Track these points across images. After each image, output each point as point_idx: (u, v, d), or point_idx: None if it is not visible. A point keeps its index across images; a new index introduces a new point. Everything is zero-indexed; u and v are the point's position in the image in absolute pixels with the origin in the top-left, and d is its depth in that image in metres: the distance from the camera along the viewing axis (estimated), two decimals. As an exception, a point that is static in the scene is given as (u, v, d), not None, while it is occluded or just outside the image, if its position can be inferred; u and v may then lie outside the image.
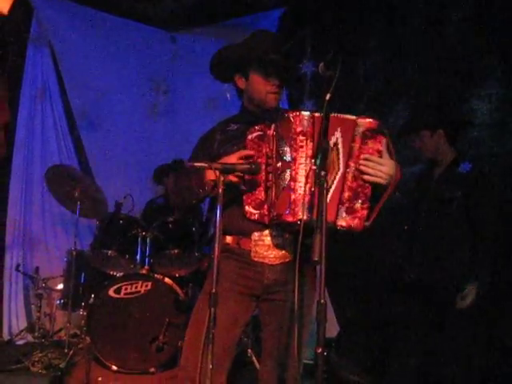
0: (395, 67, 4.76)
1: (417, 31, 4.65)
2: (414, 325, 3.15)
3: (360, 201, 1.99)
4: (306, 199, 1.92)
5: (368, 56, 4.95)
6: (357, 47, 4.94)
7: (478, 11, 4.27)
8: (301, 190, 1.93)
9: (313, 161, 1.94)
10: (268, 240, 2.17)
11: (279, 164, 2.00)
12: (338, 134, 2.00)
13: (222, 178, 1.97)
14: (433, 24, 4.57)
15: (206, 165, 2.00)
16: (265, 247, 2.18)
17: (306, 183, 1.94)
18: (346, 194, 1.98)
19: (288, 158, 1.98)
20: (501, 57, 4.15)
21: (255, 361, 3.94)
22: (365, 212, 2.00)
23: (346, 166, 2.00)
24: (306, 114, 1.97)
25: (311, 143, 1.96)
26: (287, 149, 1.98)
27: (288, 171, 1.97)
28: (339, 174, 2.00)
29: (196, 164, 2.02)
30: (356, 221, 1.98)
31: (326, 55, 1.89)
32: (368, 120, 2.01)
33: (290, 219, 1.95)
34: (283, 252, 2.18)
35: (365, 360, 3.80)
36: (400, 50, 4.73)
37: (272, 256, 2.18)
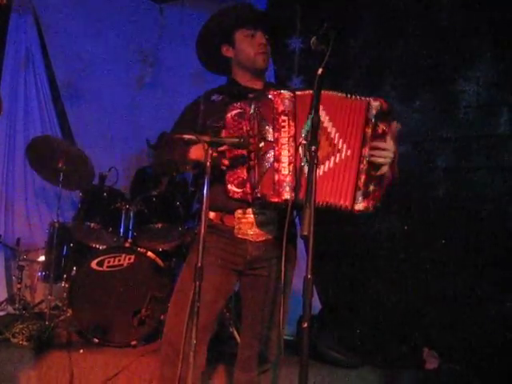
0: (385, 46, 4.73)
1: (408, 11, 4.62)
2: None
3: (373, 183, 2.00)
4: (290, 179, 1.93)
5: (359, 33, 4.91)
6: (348, 24, 4.90)
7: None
8: (285, 171, 1.94)
9: (303, 135, 1.93)
10: (251, 217, 2.19)
11: (262, 144, 1.99)
12: (346, 119, 1.98)
13: (210, 152, 1.94)
14: (424, 4, 4.55)
15: (194, 137, 1.97)
16: (248, 224, 2.19)
17: (290, 163, 1.94)
18: (362, 179, 1.97)
19: (270, 138, 1.96)
20: (490, 39, 4.15)
21: (236, 336, 3.96)
22: (378, 194, 2.02)
23: (360, 152, 1.98)
24: (286, 93, 1.96)
25: (293, 122, 1.95)
26: (269, 129, 1.97)
27: (271, 152, 1.96)
28: (354, 159, 1.98)
29: (184, 136, 1.99)
30: (371, 202, 2.00)
31: (318, 29, 1.86)
32: (379, 102, 1.98)
33: (276, 200, 1.96)
34: (266, 229, 2.20)
35: (346, 338, 3.84)
36: (391, 29, 4.71)
37: (255, 233, 2.20)
